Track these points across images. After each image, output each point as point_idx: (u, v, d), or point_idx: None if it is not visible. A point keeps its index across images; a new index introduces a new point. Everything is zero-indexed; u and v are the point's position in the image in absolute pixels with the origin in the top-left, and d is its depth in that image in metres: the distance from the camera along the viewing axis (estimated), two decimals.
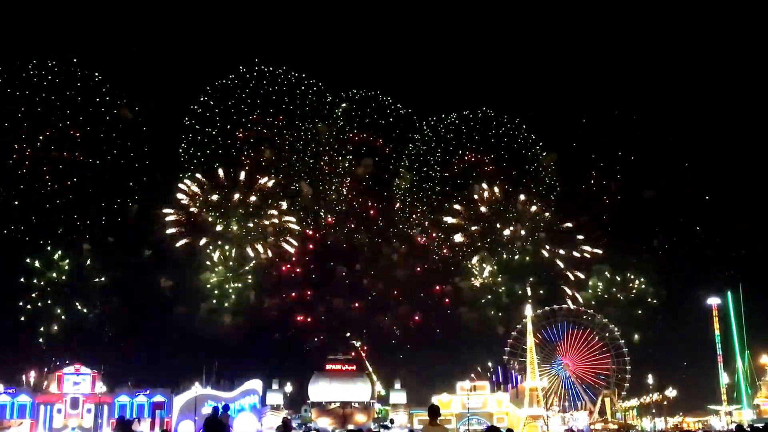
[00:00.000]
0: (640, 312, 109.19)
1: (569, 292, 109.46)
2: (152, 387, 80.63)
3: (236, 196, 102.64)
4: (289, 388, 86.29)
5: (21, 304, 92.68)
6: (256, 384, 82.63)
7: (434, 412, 18.05)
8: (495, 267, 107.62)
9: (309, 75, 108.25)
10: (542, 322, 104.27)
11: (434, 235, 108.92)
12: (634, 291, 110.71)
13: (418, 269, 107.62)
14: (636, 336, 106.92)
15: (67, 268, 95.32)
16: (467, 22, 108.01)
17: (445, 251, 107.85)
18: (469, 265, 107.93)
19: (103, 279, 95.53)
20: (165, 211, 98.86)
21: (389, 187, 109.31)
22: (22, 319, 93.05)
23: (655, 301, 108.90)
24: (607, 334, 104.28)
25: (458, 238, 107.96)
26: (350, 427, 77.48)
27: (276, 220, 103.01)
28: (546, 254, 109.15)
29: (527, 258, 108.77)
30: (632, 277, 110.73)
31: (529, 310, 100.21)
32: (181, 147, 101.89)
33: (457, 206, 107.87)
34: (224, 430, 23.30)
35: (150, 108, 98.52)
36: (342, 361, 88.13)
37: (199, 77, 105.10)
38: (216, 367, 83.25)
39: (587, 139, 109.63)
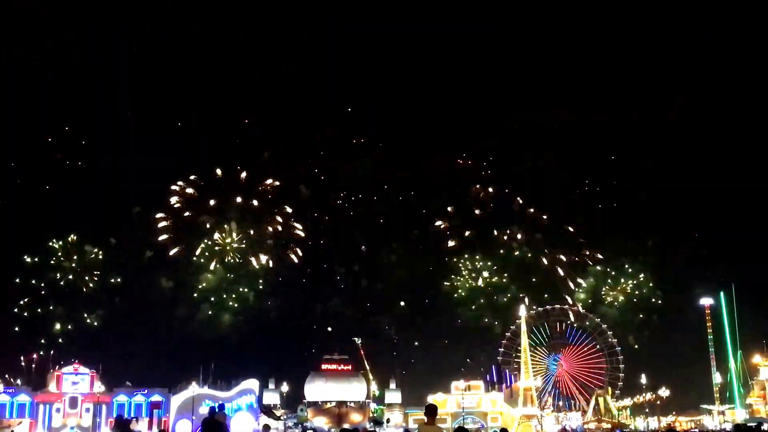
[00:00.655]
0: (634, 313, 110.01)
1: (565, 293, 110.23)
2: (150, 387, 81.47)
3: (237, 199, 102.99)
4: (285, 387, 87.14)
5: (22, 304, 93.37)
6: (252, 384, 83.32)
7: (431, 411, 18.00)
8: (489, 268, 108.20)
9: (309, 75, 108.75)
10: (536, 323, 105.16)
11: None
12: (629, 291, 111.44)
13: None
14: (631, 337, 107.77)
15: (70, 268, 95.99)
16: (467, 22, 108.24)
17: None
18: (462, 267, 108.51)
19: (114, 280, 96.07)
20: (158, 216, 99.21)
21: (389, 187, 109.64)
22: (25, 316, 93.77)
23: (653, 301, 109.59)
24: (600, 335, 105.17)
25: (451, 243, 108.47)
26: (346, 426, 78.19)
27: (279, 227, 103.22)
28: (542, 255, 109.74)
29: (523, 257, 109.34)
30: (627, 278, 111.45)
31: (523, 311, 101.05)
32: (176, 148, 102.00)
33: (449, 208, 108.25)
34: (222, 430, 23.96)
35: (150, 108, 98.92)
36: (338, 361, 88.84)
37: (198, 77, 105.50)
38: (213, 367, 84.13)
39: (585, 139, 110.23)
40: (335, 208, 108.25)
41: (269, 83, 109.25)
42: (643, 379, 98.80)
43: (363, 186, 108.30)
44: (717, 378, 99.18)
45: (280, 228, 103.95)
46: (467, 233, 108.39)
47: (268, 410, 78.72)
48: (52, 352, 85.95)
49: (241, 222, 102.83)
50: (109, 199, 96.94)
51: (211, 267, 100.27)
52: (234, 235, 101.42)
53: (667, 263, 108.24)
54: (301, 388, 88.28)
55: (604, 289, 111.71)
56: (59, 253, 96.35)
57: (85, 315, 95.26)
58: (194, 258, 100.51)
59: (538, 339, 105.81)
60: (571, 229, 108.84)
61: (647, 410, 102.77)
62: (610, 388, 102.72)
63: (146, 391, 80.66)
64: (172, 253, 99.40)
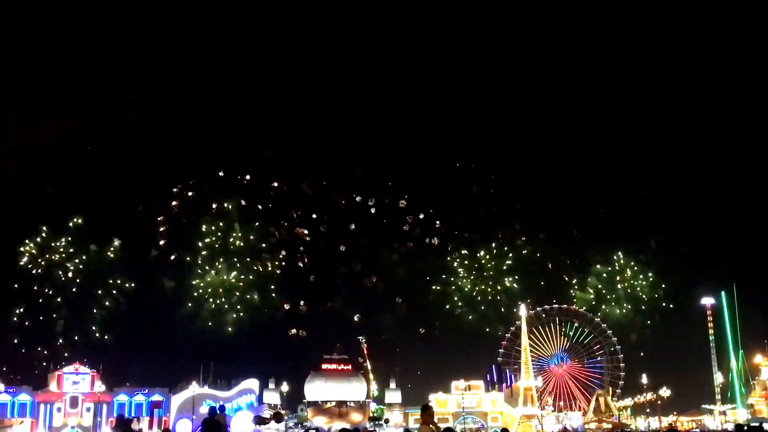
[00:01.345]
0: (636, 312, 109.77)
1: (567, 293, 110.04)
2: (150, 386, 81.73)
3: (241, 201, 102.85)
4: (285, 387, 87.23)
5: (26, 303, 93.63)
6: (252, 383, 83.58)
7: (425, 411, 17.95)
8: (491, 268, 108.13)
9: (309, 75, 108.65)
10: (537, 322, 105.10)
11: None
12: (630, 291, 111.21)
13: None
14: (633, 336, 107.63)
15: (73, 268, 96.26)
16: (467, 22, 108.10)
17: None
18: (463, 267, 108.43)
19: (118, 282, 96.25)
20: (159, 219, 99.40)
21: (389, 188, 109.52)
22: (27, 316, 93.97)
23: (655, 300, 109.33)
24: (600, 334, 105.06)
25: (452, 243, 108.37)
26: (346, 425, 78.28)
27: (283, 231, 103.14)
28: (544, 254, 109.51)
29: (525, 257, 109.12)
30: (629, 277, 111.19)
31: (523, 310, 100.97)
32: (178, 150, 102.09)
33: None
34: (222, 430, 23.99)
35: (150, 108, 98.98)
36: (338, 360, 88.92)
37: (198, 77, 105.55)
38: (213, 366, 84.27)
39: (586, 138, 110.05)
40: (337, 207, 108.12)
41: (269, 83, 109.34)
42: (644, 379, 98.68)
43: (365, 186, 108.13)
44: (718, 378, 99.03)
45: (284, 231, 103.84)
46: (467, 234, 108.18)
47: (261, 420, 78.71)
48: (46, 352, 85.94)
49: (243, 225, 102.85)
50: (112, 199, 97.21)
51: (213, 272, 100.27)
52: (238, 242, 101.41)
53: (669, 263, 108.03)
54: (301, 387, 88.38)
55: (606, 288, 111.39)
56: (61, 252, 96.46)
57: (94, 314, 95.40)
58: (198, 262, 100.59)
59: (539, 339, 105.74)
60: (573, 228, 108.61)
61: (648, 410, 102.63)
62: (610, 388, 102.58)
63: (147, 390, 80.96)
64: (172, 257, 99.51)
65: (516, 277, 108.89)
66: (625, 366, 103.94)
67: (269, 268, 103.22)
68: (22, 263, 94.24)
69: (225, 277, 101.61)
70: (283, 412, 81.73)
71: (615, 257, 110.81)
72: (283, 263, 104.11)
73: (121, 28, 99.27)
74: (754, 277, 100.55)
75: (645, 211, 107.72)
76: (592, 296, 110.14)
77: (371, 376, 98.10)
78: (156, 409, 78.89)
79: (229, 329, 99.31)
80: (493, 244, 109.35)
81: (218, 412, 24.93)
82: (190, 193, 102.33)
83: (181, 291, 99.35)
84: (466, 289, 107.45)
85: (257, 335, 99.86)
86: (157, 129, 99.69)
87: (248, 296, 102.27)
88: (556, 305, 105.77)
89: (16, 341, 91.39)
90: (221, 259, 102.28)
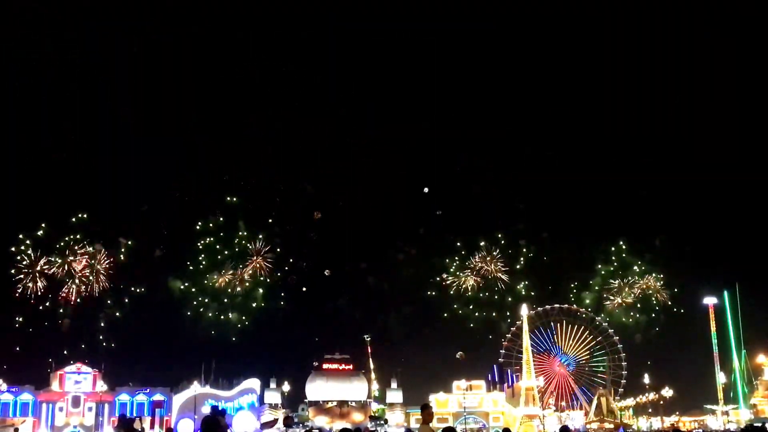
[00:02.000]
0: (640, 312, 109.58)
1: (569, 292, 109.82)
2: (152, 386, 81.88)
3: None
4: (286, 387, 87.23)
5: (31, 304, 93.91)
6: (254, 383, 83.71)
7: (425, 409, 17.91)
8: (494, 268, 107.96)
9: (309, 75, 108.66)
10: (538, 322, 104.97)
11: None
12: (633, 291, 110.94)
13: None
14: (638, 336, 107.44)
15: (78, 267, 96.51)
16: (467, 22, 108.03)
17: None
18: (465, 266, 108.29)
19: (122, 285, 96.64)
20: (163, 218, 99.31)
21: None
22: (29, 316, 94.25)
23: (659, 300, 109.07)
24: (601, 333, 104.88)
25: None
26: (348, 425, 78.28)
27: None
28: (547, 254, 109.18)
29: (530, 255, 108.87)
30: (633, 277, 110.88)
31: (525, 310, 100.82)
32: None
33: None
34: (222, 428, 23.91)
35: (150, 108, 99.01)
36: (339, 360, 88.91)
37: (198, 78, 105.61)
38: (214, 366, 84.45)
39: (588, 138, 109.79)
40: (341, 207, 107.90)
41: (269, 83, 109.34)
42: (647, 379, 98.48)
43: (368, 186, 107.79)
44: (721, 378, 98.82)
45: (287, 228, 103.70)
46: (470, 234, 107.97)
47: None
48: (49, 352, 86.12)
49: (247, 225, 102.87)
50: (114, 199, 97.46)
51: (217, 272, 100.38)
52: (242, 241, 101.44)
53: (672, 262, 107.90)
54: (303, 387, 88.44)
55: (610, 288, 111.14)
56: (66, 252, 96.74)
57: (100, 315, 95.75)
58: (201, 261, 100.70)
59: (540, 338, 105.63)
60: (577, 228, 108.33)
61: (650, 410, 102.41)
62: (612, 388, 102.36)
63: (148, 390, 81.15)
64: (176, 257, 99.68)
65: (519, 276, 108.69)
66: (627, 366, 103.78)
67: (271, 268, 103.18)
68: (24, 262, 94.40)
69: (228, 277, 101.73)
70: (292, 415, 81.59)
71: (619, 257, 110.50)
72: (286, 263, 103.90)
73: (121, 28, 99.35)
74: (757, 276, 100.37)
75: (649, 210, 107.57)
76: (596, 295, 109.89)
77: (373, 375, 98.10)
78: (158, 409, 79.00)
79: (235, 328, 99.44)
80: (497, 244, 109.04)
81: (220, 415, 24.79)
82: (192, 193, 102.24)
83: (185, 290, 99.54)
84: (469, 290, 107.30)
85: (259, 334, 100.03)
86: (157, 129, 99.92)
87: (251, 295, 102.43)
88: (557, 305, 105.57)
89: (18, 340, 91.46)
90: (224, 259, 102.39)
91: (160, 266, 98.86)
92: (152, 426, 76.33)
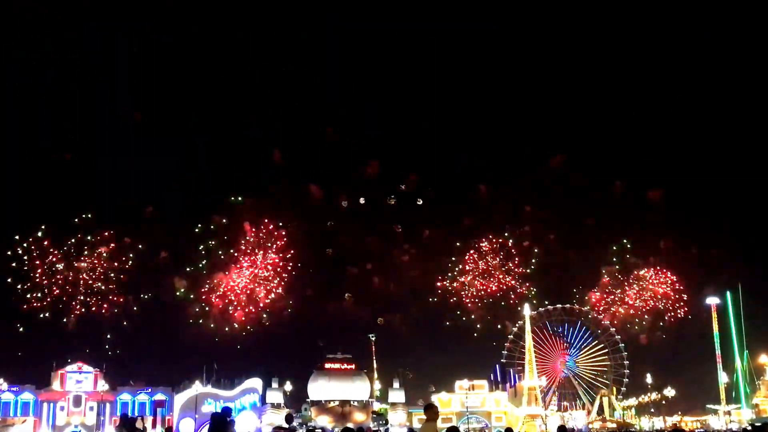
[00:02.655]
0: (644, 312, 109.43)
1: (574, 292, 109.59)
2: (153, 385, 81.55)
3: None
4: (288, 386, 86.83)
5: (35, 303, 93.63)
6: (255, 383, 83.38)
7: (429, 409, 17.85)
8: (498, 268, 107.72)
9: (309, 75, 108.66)
10: (541, 321, 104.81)
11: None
12: (637, 291, 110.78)
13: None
14: (643, 336, 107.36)
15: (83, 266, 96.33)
16: (467, 22, 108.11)
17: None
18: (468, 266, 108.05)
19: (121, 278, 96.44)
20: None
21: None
22: (32, 315, 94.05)
23: (662, 300, 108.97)
24: (603, 332, 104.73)
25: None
26: (349, 425, 77.96)
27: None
28: (552, 254, 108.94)
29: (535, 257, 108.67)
30: (638, 278, 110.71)
31: (527, 310, 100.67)
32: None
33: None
34: (230, 427, 23.63)
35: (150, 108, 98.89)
36: (341, 360, 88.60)
37: (198, 78, 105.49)
38: (216, 365, 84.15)
39: (590, 139, 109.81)
40: (345, 207, 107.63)
41: (269, 83, 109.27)
42: (649, 379, 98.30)
43: (372, 186, 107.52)
44: (723, 378, 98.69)
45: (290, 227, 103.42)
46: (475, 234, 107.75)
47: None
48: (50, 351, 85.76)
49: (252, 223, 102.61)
50: (118, 199, 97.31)
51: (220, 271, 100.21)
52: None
53: (676, 263, 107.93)
54: (305, 387, 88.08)
55: (614, 289, 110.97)
56: (72, 251, 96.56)
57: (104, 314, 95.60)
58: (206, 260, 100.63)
59: (543, 338, 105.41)
60: (582, 229, 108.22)
61: (652, 410, 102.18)
62: (614, 388, 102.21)
63: (150, 389, 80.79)
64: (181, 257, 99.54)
65: (523, 275, 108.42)
66: (630, 365, 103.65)
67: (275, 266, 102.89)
68: (26, 262, 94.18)
69: (232, 275, 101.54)
70: (294, 414, 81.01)
71: (623, 257, 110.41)
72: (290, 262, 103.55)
73: (121, 28, 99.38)
74: (760, 277, 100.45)
75: (653, 211, 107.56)
76: (602, 295, 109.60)
77: (375, 375, 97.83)
78: (159, 408, 78.62)
79: (239, 328, 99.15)
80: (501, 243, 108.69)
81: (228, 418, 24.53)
82: (195, 193, 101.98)
83: (186, 293, 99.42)
84: (473, 290, 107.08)
85: (261, 334, 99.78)
86: (158, 129, 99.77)
87: (254, 294, 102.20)
88: (559, 305, 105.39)
89: (19, 340, 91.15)
90: (229, 258, 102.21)
91: (164, 266, 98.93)
92: (154, 425, 75.88)
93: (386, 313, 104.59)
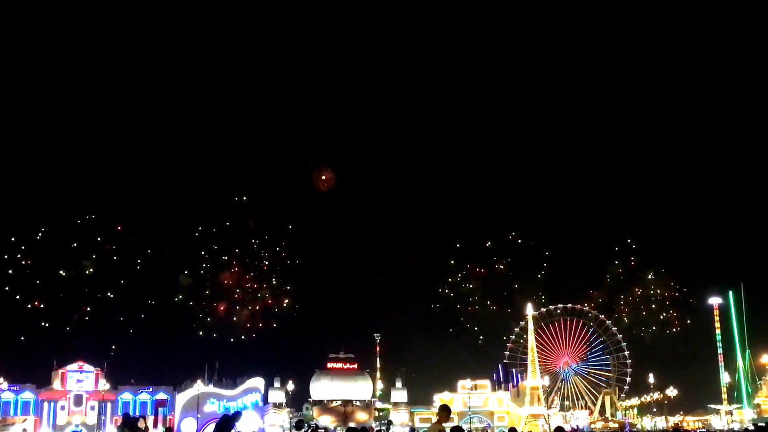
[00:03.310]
0: (648, 312, 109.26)
1: (577, 291, 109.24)
2: (155, 384, 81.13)
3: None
4: (291, 386, 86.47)
5: (38, 303, 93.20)
6: (258, 382, 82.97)
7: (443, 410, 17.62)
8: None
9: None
10: (543, 321, 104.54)
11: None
12: (640, 291, 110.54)
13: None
14: (647, 335, 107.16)
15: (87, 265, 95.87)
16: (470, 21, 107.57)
17: None
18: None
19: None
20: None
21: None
22: (35, 314, 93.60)
23: (664, 300, 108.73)
24: (605, 332, 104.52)
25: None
26: (351, 425, 77.64)
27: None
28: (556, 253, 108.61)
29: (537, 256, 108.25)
30: (642, 278, 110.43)
31: (530, 309, 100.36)
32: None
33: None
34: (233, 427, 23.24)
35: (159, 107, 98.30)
36: (343, 359, 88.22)
37: (199, 77, 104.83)
38: (217, 365, 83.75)
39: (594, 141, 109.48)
40: (349, 206, 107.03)
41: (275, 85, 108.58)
42: (651, 379, 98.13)
43: (377, 184, 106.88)
44: (725, 378, 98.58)
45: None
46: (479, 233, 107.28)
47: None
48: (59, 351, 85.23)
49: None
50: (130, 197, 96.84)
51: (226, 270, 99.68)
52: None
53: (678, 262, 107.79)
54: (307, 386, 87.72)
55: (617, 288, 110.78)
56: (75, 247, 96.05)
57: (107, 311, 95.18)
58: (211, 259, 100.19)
59: (545, 338, 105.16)
60: (586, 229, 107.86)
61: (655, 410, 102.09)
62: (617, 387, 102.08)
63: (151, 389, 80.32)
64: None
65: (527, 275, 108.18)
66: (632, 365, 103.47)
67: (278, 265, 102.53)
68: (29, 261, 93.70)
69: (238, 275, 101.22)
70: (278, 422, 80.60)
71: (626, 257, 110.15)
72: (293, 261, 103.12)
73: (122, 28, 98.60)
74: (762, 277, 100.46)
75: (656, 211, 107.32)
76: (606, 295, 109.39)
77: (378, 374, 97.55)
78: (160, 408, 78.20)
79: (244, 327, 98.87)
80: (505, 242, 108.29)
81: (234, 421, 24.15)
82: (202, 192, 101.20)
83: (197, 287, 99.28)
84: (476, 290, 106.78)
85: (263, 333, 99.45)
86: (165, 128, 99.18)
87: (259, 294, 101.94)
88: (561, 305, 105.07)
89: (19, 339, 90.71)
90: (233, 257, 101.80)
91: (168, 265, 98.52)
92: (155, 425, 75.50)
93: (390, 313, 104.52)
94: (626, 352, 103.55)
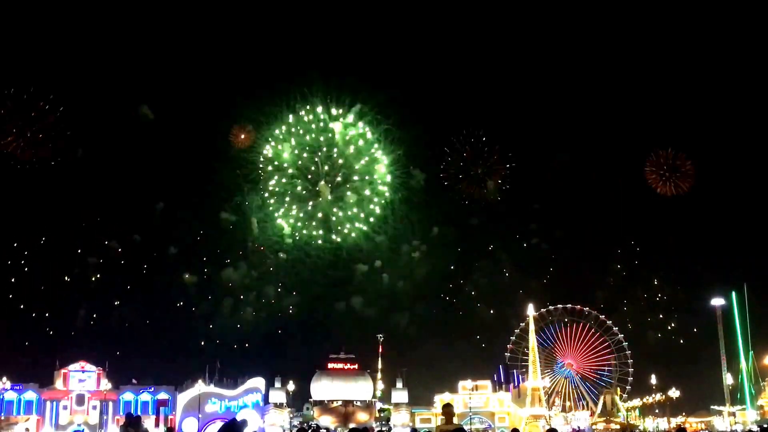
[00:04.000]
0: (652, 312, 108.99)
1: (580, 291, 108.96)
2: (156, 384, 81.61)
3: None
4: (291, 386, 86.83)
5: (41, 304, 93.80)
6: (258, 382, 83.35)
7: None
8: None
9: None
10: (544, 321, 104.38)
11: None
12: (645, 292, 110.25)
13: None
14: (650, 335, 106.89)
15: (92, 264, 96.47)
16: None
17: None
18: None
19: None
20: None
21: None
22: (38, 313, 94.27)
23: (667, 300, 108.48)
24: (606, 332, 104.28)
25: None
26: (352, 425, 77.91)
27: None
28: (560, 253, 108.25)
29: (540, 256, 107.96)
30: (643, 278, 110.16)
31: (531, 310, 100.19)
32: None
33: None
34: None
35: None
36: (344, 360, 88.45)
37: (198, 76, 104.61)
38: (219, 365, 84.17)
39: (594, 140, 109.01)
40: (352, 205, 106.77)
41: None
42: (653, 380, 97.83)
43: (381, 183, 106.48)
44: (728, 379, 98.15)
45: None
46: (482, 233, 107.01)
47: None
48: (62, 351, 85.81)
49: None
50: (131, 196, 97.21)
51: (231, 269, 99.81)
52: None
53: (680, 263, 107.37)
54: (308, 386, 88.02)
55: (621, 288, 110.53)
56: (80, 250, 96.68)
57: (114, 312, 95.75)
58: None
59: (547, 338, 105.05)
60: (589, 229, 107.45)
61: (657, 411, 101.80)
62: (618, 388, 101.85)
63: (153, 388, 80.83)
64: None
65: (529, 275, 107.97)
66: (634, 366, 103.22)
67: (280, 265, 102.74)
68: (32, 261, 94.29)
69: (246, 273, 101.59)
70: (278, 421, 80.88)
71: (629, 257, 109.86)
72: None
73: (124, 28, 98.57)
74: (765, 278, 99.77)
75: (658, 211, 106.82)
76: (610, 295, 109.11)
77: (379, 375, 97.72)
78: (162, 408, 78.74)
79: (248, 326, 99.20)
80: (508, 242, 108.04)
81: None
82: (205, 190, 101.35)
83: (200, 287, 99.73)
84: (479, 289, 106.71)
85: (264, 333, 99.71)
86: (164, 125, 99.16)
87: (263, 294, 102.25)
88: (561, 305, 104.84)
89: (22, 338, 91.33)
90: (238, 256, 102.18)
91: (172, 263, 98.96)
92: (157, 425, 76.09)
93: (391, 312, 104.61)
94: (627, 352, 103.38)
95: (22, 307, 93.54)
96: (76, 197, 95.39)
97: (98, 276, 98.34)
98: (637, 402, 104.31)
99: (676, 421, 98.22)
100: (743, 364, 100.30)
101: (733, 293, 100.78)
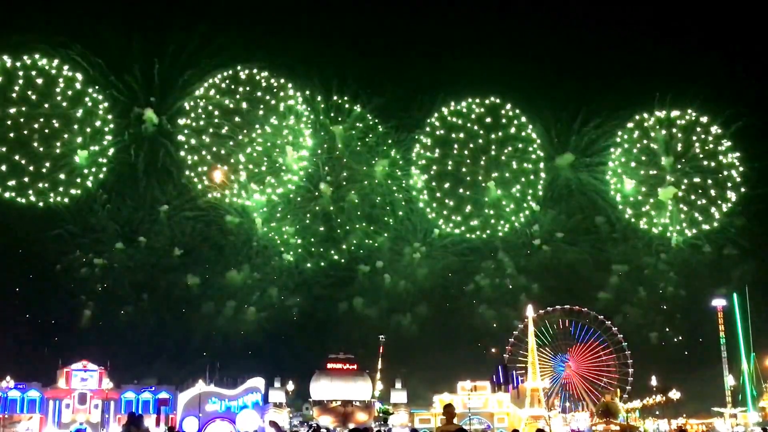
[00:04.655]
0: (655, 313, 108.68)
1: (582, 292, 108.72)
2: (157, 384, 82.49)
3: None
4: (291, 386, 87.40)
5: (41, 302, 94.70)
6: (258, 382, 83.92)
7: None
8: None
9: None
10: (544, 322, 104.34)
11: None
12: (646, 292, 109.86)
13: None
14: (653, 335, 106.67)
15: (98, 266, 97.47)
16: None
17: None
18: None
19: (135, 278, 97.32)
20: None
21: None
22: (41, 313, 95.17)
23: (672, 300, 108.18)
24: (605, 332, 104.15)
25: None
26: (351, 425, 78.47)
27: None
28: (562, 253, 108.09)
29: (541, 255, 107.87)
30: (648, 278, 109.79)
31: (530, 310, 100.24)
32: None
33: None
34: None
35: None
36: (343, 360, 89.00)
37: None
38: (219, 365, 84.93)
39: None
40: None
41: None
42: (654, 381, 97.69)
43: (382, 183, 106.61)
44: (729, 380, 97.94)
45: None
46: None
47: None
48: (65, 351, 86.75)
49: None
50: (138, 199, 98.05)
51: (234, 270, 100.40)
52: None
53: (682, 264, 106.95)
54: (307, 386, 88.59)
55: (624, 289, 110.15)
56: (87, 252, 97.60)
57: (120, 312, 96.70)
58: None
59: (546, 339, 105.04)
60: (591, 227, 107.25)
61: (657, 412, 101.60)
62: (618, 390, 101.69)
63: (153, 388, 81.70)
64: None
65: (531, 275, 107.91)
66: (633, 362, 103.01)
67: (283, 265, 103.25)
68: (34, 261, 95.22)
69: (248, 274, 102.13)
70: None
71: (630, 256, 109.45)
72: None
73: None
74: (767, 279, 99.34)
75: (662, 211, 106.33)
76: (613, 296, 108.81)
77: (378, 375, 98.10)
78: (163, 407, 79.55)
79: (251, 327, 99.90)
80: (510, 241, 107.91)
81: None
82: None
83: (205, 287, 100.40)
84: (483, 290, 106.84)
85: (264, 333, 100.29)
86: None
87: (266, 294, 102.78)
88: (559, 306, 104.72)
89: (25, 337, 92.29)
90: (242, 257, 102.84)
91: (174, 264, 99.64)
92: (157, 424, 76.84)
93: (393, 312, 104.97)
94: (627, 352, 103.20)
95: (25, 307, 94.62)
96: (79, 197, 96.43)
97: (102, 277, 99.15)
98: (637, 403, 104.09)
99: (676, 422, 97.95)
100: (745, 366, 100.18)
101: (735, 294, 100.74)
